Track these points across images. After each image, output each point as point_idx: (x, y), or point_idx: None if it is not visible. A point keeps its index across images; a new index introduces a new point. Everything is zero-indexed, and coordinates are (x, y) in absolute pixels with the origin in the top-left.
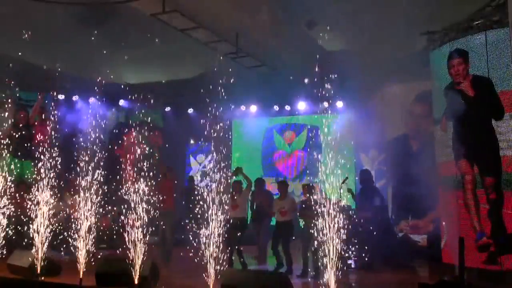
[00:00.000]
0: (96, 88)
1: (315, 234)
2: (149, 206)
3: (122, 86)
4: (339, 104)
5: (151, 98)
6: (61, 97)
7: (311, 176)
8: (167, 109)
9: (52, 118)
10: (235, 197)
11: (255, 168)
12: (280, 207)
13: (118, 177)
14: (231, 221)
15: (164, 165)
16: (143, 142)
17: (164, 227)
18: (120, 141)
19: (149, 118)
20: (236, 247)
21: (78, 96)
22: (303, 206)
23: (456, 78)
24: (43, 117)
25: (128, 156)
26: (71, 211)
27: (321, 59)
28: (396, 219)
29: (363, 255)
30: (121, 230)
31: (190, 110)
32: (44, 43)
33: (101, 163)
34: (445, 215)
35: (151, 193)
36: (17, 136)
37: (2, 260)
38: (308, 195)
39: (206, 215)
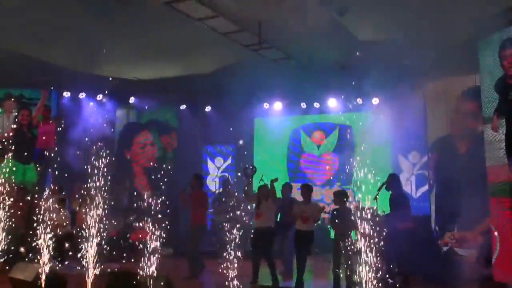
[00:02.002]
0: (104, 84)
1: (348, 247)
2: (163, 216)
3: (133, 83)
4: (375, 100)
5: (164, 95)
6: (66, 94)
7: (343, 182)
8: (182, 107)
9: (58, 118)
10: (260, 204)
11: (279, 173)
12: (301, 211)
13: (127, 183)
14: (256, 231)
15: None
16: (155, 143)
17: (193, 241)
18: (130, 143)
19: (163, 118)
20: (268, 260)
21: (85, 94)
22: (335, 215)
23: (509, 71)
24: (48, 117)
25: (138, 159)
26: (78, 221)
27: (355, 50)
28: (440, 230)
29: (402, 271)
30: (131, 241)
31: (208, 108)
32: (48, 36)
33: (109, 168)
34: (496, 226)
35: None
36: (19, 138)
37: (4, 272)
38: (340, 203)
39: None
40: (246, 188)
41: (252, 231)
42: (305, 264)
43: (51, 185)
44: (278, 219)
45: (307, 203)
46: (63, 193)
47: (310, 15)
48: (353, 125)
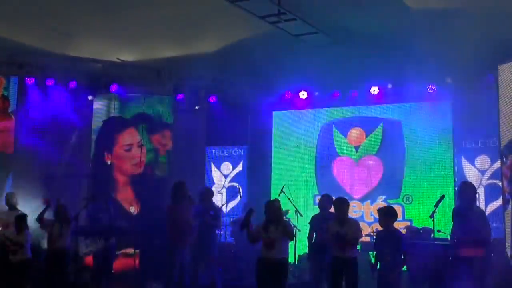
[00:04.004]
0: (79, 68)
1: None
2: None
3: (116, 66)
4: (431, 88)
5: (156, 82)
6: (30, 81)
7: (389, 195)
8: (179, 97)
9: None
10: (270, 228)
11: (305, 182)
12: (338, 231)
13: (108, 195)
14: (263, 263)
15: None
16: (144, 144)
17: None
18: (111, 144)
19: (154, 111)
20: None
21: (54, 80)
22: (379, 238)
23: None
24: (6, 110)
25: (122, 165)
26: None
27: (404, 22)
28: None
29: None
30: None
31: (213, 99)
32: (5, 5)
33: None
34: None
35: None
36: None
37: None
38: (387, 222)
39: None
40: (245, 220)
41: (258, 263)
42: None
43: (7, 198)
44: (313, 240)
45: (343, 221)
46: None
47: None
48: (403, 120)
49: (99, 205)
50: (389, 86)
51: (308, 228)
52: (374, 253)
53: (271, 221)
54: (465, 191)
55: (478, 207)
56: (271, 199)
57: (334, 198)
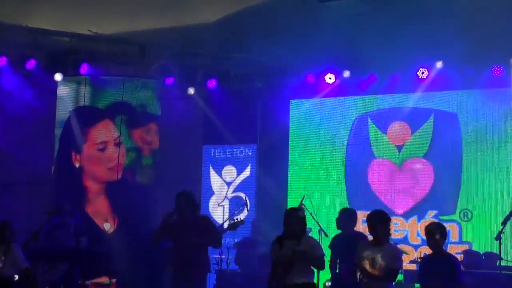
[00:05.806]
0: (39, 43)
1: None
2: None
3: (87, 40)
4: (497, 69)
5: (138, 61)
6: None
7: (441, 210)
8: (168, 80)
9: None
10: (284, 244)
11: (332, 192)
12: (370, 257)
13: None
14: None
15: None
16: (123, 141)
17: None
18: (81, 141)
19: (135, 99)
20: None
21: (7, 58)
22: (427, 265)
23: None
24: None
25: (94, 168)
26: None
27: None
28: None
29: None
30: None
31: (212, 83)
32: None
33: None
34: None
35: None
36: None
37: None
38: (437, 245)
39: None
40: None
41: None
42: None
43: None
44: (338, 269)
45: (379, 245)
46: None
47: None
48: (459, 112)
49: (58, 219)
50: (440, 66)
51: (330, 252)
52: (418, 285)
53: (291, 235)
54: None
55: None
56: (292, 206)
57: (359, 213)
